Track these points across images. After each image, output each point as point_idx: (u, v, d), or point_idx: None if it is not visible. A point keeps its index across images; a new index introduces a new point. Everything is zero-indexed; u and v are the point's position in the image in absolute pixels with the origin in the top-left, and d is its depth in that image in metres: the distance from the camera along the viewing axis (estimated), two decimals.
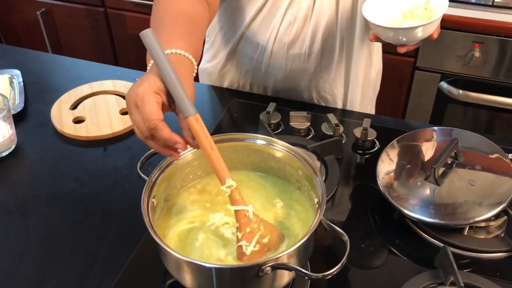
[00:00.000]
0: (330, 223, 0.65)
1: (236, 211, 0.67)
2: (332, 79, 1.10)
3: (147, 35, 0.64)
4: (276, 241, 0.68)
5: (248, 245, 0.65)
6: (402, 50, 0.85)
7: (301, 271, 0.60)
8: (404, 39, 0.82)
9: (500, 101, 1.62)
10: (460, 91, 1.65)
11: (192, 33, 0.75)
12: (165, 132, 0.63)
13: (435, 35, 0.84)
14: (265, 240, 0.66)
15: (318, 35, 1.03)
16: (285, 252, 0.60)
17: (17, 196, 0.91)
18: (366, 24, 1.02)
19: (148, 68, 0.69)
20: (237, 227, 0.67)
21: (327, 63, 1.08)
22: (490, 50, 1.55)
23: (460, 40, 1.56)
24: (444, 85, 1.67)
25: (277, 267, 0.60)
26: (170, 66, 0.63)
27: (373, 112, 1.24)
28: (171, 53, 0.68)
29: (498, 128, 1.72)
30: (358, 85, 1.13)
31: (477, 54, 1.56)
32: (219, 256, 0.68)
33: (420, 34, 0.81)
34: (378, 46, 1.13)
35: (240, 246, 0.66)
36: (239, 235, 0.66)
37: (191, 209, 0.75)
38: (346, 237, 0.63)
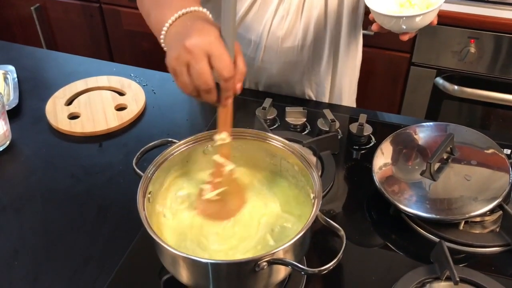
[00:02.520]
0: (326, 218, 0.65)
1: (216, 162, 0.70)
2: (323, 71, 1.12)
3: None
4: (235, 208, 0.73)
5: (209, 192, 0.70)
6: (404, 37, 0.87)
7: (297, 266, 0.60)
8: (404, 27, 0.84)
9: (495, 97, 1.62)
10: (456, 87, 1.65)
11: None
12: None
13: (435, 22, 0.86)
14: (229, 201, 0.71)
15: (311, 27, 1.04)
16: (282, 247, 0.60)
17: (12, 193, 0.90)
18: (353, 14, 1.05)
19: (178, 16, 0.67)
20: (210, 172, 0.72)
21: (319, 55, 1.09)
22: (485, 46, 1.55)
23: (455, 36, 1.56)
24: (439, 80, 1.67)
25: (273, 262, 0.60)
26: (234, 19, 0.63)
27: (355, 97, 1.25)
28: (194, 10, 0.67)
29: (494, 124, 1.72)
30: (346, 75, 1.15)
31: (472, 49, 1.56)
32: (215, 250, 0.68)
33: (422, 21, 0.83)
34: (360, 35, 1.14)
35: (201, 189, 0.70)
36: (207, 179, 0.71)
37: (187, 203, 0.75)
38: (342, 232, 0.63)
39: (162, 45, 0.69)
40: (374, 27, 0.87)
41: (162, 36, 0.68)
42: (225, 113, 0.68)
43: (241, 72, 0.64)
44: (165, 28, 0.67)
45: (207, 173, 0.77)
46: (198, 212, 0.72)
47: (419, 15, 0.82)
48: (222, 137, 0.69)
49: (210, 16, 0.69)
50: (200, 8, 0.68)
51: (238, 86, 0.64)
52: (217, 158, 0.71)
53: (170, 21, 0.67)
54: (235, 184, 0.73)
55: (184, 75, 0.62)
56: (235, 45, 0.63)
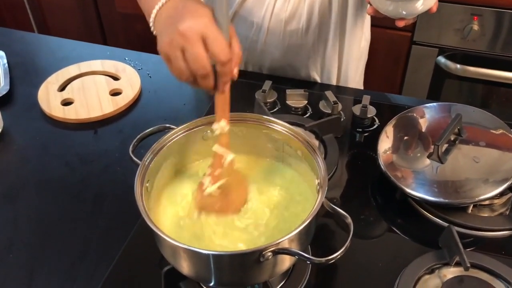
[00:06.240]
0: (332, 205, 0.63)
1: (215, 152, 0.67)
2: (329, 55, 1.08)
3: None
4: (238, 202, 0.69)
5: (209, 186, 0.67)
6: (400, 23, 0.82)
7: (303, 255, 0.58)
8: (404, 12, 0.79)
9: (498, 75, 1.59)
10: (458, 66, 1.62)
11: None
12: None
13: (434, 9, 0.81)
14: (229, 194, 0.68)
15: (315, 9, 1.00)
16: (287, 237, 0.57)
17: (5, 183, 0.88)
18: None
19: None
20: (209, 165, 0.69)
21: (324, 38, 1.05)
22: (489, 23, 1.52)
23: (458, 13, 1.52)
24: (441, 59, 1.64)
25: (278, 252, 0.57)
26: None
27: (362, 79, 1.22)
28: None
29: (496, 103, 1.70)
30: (352, 58, 1.11)
31: (475, 27, 1.52)
32: (215, 238, 0.66)
33: (420, 7, 0.78)
34: (368, 16, 1.11)
35: (202, 183, 0.67)
36: (207, 171, 0.67)
37: (187, 192, 0.73)
38: (349, 219, 0.61)
39: (153, 30, 0.66)
40: (369, 10, 0.83)
41: (151, 20, 0.65)
42: (223, 99, 0.65)
43: (237, 55, 0.61)
44: (154, 11, 0.64)
45: (206, 160, 0.75)
46: (198, 206, 0.69)
47: (417, 0, 0.77)
48: (221, 125, 0.66)
49: None
50: None
51: (235, 70, 0.62)
52: (216, 148, 0.68)
53: (160, 4, 0.64)
54: (237, 175, 0.70)
55: (179, 61, 0.59)
56: (230, 28, 0.60)
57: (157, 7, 0.64)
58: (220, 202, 0.68)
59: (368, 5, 0.83)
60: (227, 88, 0.63)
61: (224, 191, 0.68)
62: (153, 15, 0.65)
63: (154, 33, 0.66)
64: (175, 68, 0.61)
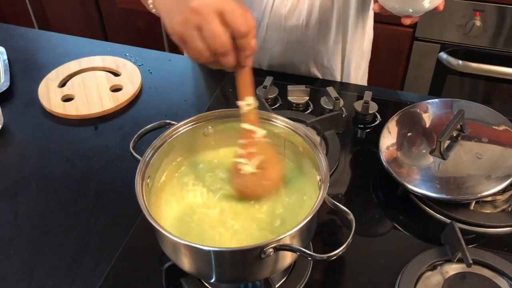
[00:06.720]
0: (334, 202, 0.62)
1: (245, 129, 0.65)
2: (331, 52, 1.07)
3: None
4: (275, 176, 0.67)
5: (248, 165, 0.64)
6: (407, 21, 0.81)
7: (305, 252, 0.57)
8: (410, 10, 0.78)
9: (500, 71, 1.59)
10: (460, 62, 1.62)
11: None
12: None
13: (441, 7, 0.80)
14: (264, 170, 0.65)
15: (316, 5, 0.99)
16: (288, 233, 0.57)
17: (5, 179, 0.87)
18: None
19: None
20: (239, 143, 0.66)
21: (325, 35, 1.04)
22: (491, 19, 1.51)
23: (460, 9, 1.51)
24: (443, 55, 1.63)
25: (280, 248, 0.57)
26: None
27: (366, 77, 1.21)
28: None
29: (498, 99, 1.69)
30: (354, 56, 1.10)
31: (478, 23, 1.51)
32: (217, 235, 0.65)
33: (427, 5, 0.78)
34: (371, 15, 1.10)
35: (238, 163, 0.64)
36: (240, 151, 0.64)
37: (188, 188, 0.72)
38: (351, 216, 0.60)
39: (151, 8, 0.61)
40: (375, 7, 0.82)
41: (151, 1, 0.60)
42: (245, 75, 0.62)
43: (254, 26, 0.57)
44: None
45: (208, 156, 0.74)
46: (236, 188, 0.66)
47: None
48: (249, 102, 0.64)
49: None
50: None
51: (254, 41, 0.58)
52: (246, 126, 0.65)
53: None
54: (270, 151, 0.68)
55: (196, 41, 0.55)
56: None
57: None
58: (260, 180, 0.66)
59: (372, 2, 0.82)
60: (249, 62, 0.60)
61: (261, 169, 0.66)
62: None
63: (153, 11, 0.61)
64: (192, 49, 0.56)
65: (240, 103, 0.64)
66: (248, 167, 0.64)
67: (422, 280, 0.68)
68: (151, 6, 0.61)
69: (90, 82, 1.07)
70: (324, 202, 0.61)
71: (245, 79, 0.63)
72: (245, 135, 0.66)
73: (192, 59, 0.58)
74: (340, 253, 0.57)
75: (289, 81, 1.03)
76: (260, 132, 0.66)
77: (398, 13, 0.80)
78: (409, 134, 0.84)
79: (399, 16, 0.81)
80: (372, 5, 1.07)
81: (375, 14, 1.09)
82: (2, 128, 0.96)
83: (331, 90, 0.97)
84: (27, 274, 0.72)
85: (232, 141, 0.74)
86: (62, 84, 1.07)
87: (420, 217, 0.78)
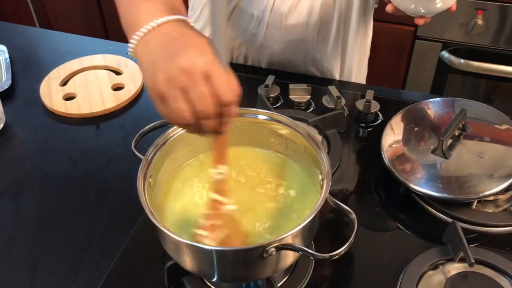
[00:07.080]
0: (336, 201, 0.62)
1: (212, 199, 0.62)
2: (330, 53, 1.06)
3: None
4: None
5: (208, 238, 0.60)
6: (420, 21, 0.80)
7: (307, 251, 0.57)
8: (423, 10, 0.78)
9: (502, 70, 1.58)
10: (462, 61, 1.61)
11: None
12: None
13: (454, 7, 0.79)
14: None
15: (317, 4, 0.99)
16: (290, 232, 0.57)
17: (7, 178, 0.87)
18: None
19: (161, 23, 0.55)
20: (204, 213, 0.62)
21: (325, 35, 1.04)
22: (493, 17, 1.50)
23: (462, 7, 1.51)
24: (445, 54, 1.63)
25: (282, 247, 0.57)
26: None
27: (365, 76, 1.21)
28: (177, 19, 0.56)
29: (500, 98, 1.69)
30: (356, 58, 1.10)
31: (480, 21, 1.51)
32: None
33: (440, 5, 0.77)
34: (371, 15, 1.09)
35: (198, 235, 0.61)
36: (203, 221, 0.61)
37: (190, 187, 0.72)
38: (353, 215, 0.60)
39: (131, 52, 0.57)
40: (389, 7, 0.82)
41: (134, 42, 0.56)
42: (221, 142, 0.59)
43: (238, 94, 0.54)
44: (140, 33, 0.55)
45: (210, 155, 0.74)
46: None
47: None
48: (221, 171, 0.60)
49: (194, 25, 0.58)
50: (185, 17, 0.57)
51: (236, 109, 0.55)
52: (214, 196, 0.61)
53: (149, 26, 0.55)
54: (236, 226, 0.64)
55: (179, 101, 0.51)
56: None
57: (144, 30, 0.55)
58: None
59: (377, 3, 0.82)
60: (228, 129, 0.57)
61: (224, 244, 0.61)
62: (137, 37, 0.56)
63: (131, 55, 0.57)
64: (173, 110, 0.52)
65: (212, 170, 0.61)
66: (208, 241, 0.60)
67: (424, 280, 0.68)
68: (130, 50, 0.58)
69: (92, 81, 1.07)
70: (326, 201, 0.61)
71: (221, 146, 0.60)
72: (212, 206, 0.62)
73: (168, 120, 0.54)
74: (342, 252, 0.57)
75: (290, 80, 1.03)
76: (229, 206, 0.62)
77: (412, 13, 0.80)
78: (411, 133, 0.84)
79: (404, 16, 0.81)
80: (376, 5, 1.07)
81: (375, 12, 1.09)
82: (3, 127, 0.96)
83: (333, 89, 0.97)
84: (29, 272, 0.72)
85: (234, 140, 0.74)
86: (64, 82, 1.07)
87: (422, 216, 0.78)
